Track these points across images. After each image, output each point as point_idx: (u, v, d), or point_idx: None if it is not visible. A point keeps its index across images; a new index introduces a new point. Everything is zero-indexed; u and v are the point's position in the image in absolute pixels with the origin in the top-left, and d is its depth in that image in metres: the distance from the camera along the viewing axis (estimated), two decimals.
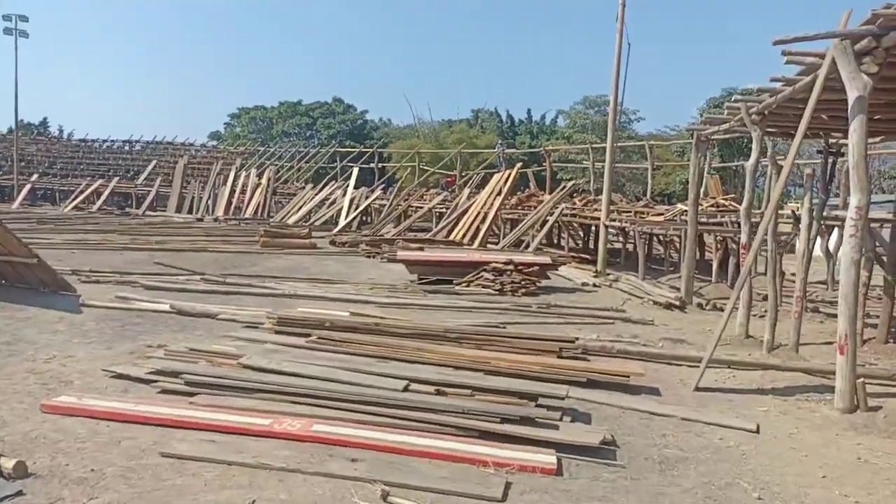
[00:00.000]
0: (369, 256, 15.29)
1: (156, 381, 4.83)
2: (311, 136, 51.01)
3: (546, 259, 11.65)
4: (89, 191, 31.79)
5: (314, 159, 37.80)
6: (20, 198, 32.19)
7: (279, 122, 51.66)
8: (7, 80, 33.09)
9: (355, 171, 28.35)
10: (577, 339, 6.40)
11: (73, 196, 31.59)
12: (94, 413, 4.13)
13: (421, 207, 23.39)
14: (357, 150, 36.83)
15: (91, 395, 4.42)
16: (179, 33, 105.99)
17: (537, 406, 4.52)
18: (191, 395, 4.60)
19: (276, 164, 36.31)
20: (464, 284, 10.73)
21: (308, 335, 6.31)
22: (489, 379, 5.04)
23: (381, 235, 20.26)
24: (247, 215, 27.84)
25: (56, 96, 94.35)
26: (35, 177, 35.21)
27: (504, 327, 7.18)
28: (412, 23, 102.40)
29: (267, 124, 52.81)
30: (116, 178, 34.45)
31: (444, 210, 22.00)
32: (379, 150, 36.78)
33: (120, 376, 4.98)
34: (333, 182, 29.51)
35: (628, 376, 5.44)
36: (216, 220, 26.72)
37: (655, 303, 10.08)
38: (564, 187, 18.54)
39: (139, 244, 15.66)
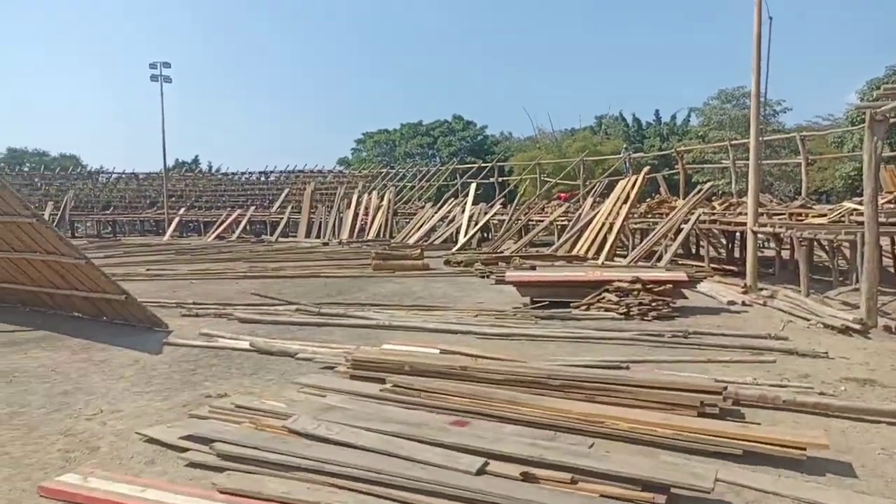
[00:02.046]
0: (483, 276, 14.23)
1: (186, 450, 4.01)
2: (432, 155, 51.28)
3: (681, 274, 9.93)
4: (229, 220, 33.58)
5: (434, 178, 37.62)
6: (170, 230, 34.61)
7: (401, 144, 52.45)
8: (158, 124, 35.61)
9: (473, 186, 27.57)
10: (725, 386, 4.85)
11: (214, 227, 33.53)
12: (91, 501, 3.35)
13: (541, 221, 22.02)
14: (476, 165, 36.12)
15: (102, 474, 3.65)
16: (308, 67, 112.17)
17: (670, 500, 3.16)
18: (222, 469, 3.73)
19: (398, 185, 36.52)
20: (582, 308, 9.32)
21: (384, 380, 5.32)
22: (600, 454, 3.71)
23: (500, 252, 19.18)
24: (369, 237, 28.00)
25: (204, 135, 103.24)
26: (182, 210, 37.83)
27: (626, 367, 5.76)
28: (528, 34, 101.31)
29: (390, 147, 53.84)
30: (253, 208, 36.31)
31: (566, 223, 20.50)
32: (499, 163, 35.78)
33: (152, 441, 4.23)
34: (453, 199, 28.92)
35: (804, 448, 3.86)
36: (340, 243, 27.01)
37: (826, 326, 8.09)
38: (700, 190, 16.43)
39: (256, 272, 15.70)
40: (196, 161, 59.32)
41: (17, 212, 7.60)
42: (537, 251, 18.78)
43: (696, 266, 13.32)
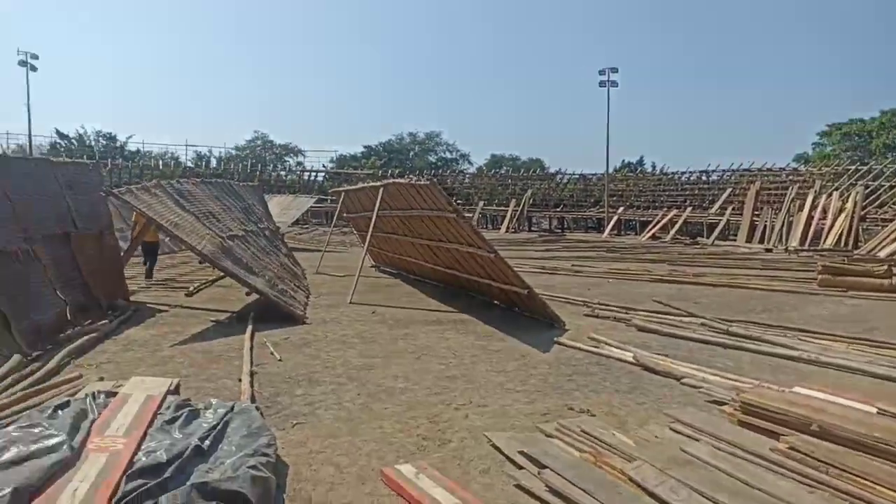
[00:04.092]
0: None
1: (521, 468, 3.74)
2: None
3: None
4: (664, 221, 33.16)
5: None
6: (608, 228, 36.12)
7: (880, 135, 43.04)
8: (603, 127, 37.54)
9: None
10: None
11: (649, 226, 33.55)
12: (411, 498, 3.35)
13: None
14: None
15: (432, 472, 3.63)
16: (756, 58, 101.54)
17: None
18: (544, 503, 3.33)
19: (870, 185, 30.07)
20: None
21: (778, 436, 4.09)
22: None
23: None
24: (825, 246, 23.94)
25: (653, 135, 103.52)
26: (621, 209, 38.92)
27: None
28: None
29: (864, 139, 44.80)
30: (690, 208, 35.06)
31: None
32: None
33: (495, 447, 4.10)
34: None
35: None
36: (787, 250, 23.87)
37: None
38: None
39: (674, 276, 14.82)
40: (640, 161, 60.28)
41: (444, 208, 8.66)
42: None
43: None
